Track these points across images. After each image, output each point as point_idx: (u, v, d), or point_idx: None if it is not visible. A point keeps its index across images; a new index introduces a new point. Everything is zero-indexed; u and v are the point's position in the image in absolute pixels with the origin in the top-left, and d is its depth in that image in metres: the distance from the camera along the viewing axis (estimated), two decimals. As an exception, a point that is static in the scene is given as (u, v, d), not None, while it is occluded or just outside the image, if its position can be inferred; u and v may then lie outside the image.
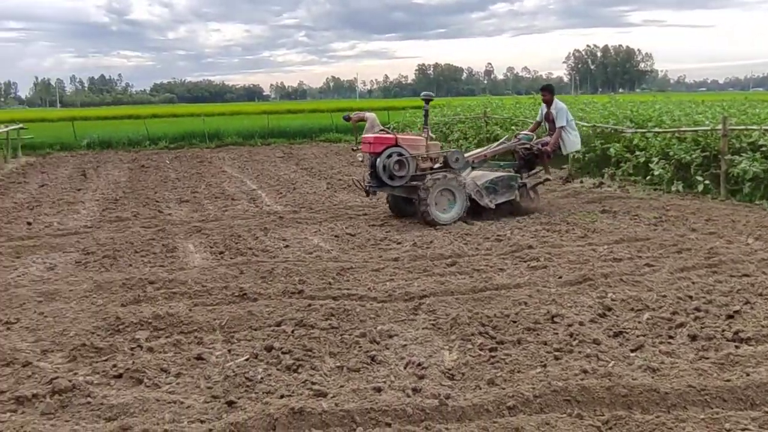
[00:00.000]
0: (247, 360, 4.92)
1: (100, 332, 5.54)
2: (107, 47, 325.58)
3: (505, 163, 11.36)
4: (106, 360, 4.99)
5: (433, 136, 10.99)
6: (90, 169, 19.33)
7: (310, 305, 6.04)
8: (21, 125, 24.90)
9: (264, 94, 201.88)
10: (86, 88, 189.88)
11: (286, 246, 8.67)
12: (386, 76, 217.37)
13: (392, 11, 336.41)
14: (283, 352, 5.00)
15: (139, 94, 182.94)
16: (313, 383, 4.50)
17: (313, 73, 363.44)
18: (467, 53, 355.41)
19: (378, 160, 9.95)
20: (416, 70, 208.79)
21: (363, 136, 11.01)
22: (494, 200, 10.33)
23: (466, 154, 10.97)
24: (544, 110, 11.35)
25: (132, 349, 5.19)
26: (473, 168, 10.88)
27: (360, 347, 5.13)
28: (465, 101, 30.87)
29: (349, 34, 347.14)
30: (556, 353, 4.91)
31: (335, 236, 9.22)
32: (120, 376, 4.70)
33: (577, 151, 12.60)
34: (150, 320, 5.71)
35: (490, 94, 52.42)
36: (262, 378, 4.60)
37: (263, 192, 14.16)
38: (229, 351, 5.15)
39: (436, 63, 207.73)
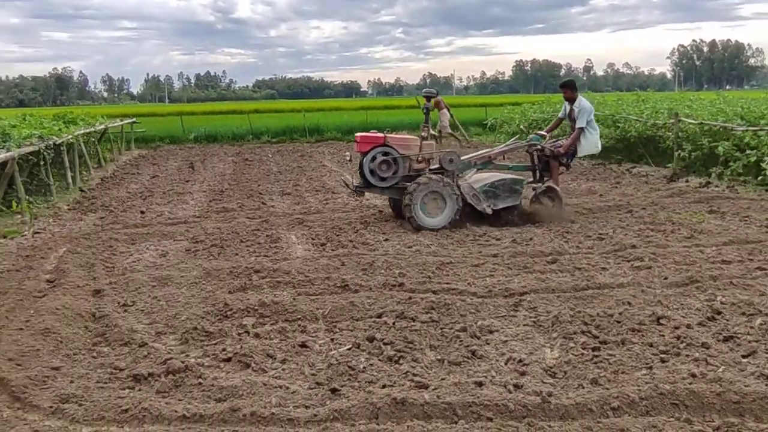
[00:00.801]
0: (349, 349, 5.02)
1: (209, 317, 5.78)
2: (213, 45, 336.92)
3: (515, 165, 10.83)
4: (215, 344, 5.21)
5: (435, 134, 10.20)
6: (197, 162, 20.10)
7: (410, 298, 6.09)
8: (134, 119, 26.18)
9: (362, 90, 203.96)
10: (192, 85, 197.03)
11: (386, 239, 8.76)
12: (483, 73, 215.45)
13: (490, 7, 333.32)
14: (384, 343, 5.07)
15: (242, 90, 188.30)
16: (415, 375, 4.55)
17: (410, 70, 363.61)
18: (566, 49, 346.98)
19: (365, 159, 9.56)
20: (513, 66, 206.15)
21: (356, 135, 10.39)
22: (494, 205, 9.57)
23: (468, 156, 10.30)
24: (567, 108, 10.53)
25: (240, 334, 5.39)
26: (478, 170, 10.28)
27: (460, 341, 5.14)
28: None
29: (446, 31, 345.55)
30: (663, 356, 4.77)
31: (434, 231, 9.23)
32: (229, 359, 4.89)
33: (593, 154, 11.60)
34: (256, 307, 5.90)
35: (590, 90, 51.07)
36: (364, 367, 4.68)
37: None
38: (332, 340, 5.27)
39: (534, 59, 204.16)
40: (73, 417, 4.09)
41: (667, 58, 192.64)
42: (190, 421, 4.00)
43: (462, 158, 9.93)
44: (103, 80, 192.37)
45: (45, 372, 4.69)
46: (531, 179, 10.34)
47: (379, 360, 4.84)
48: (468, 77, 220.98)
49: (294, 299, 6.14)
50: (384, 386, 4.37)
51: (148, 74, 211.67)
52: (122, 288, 6.72)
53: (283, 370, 4.74)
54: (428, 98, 10.15)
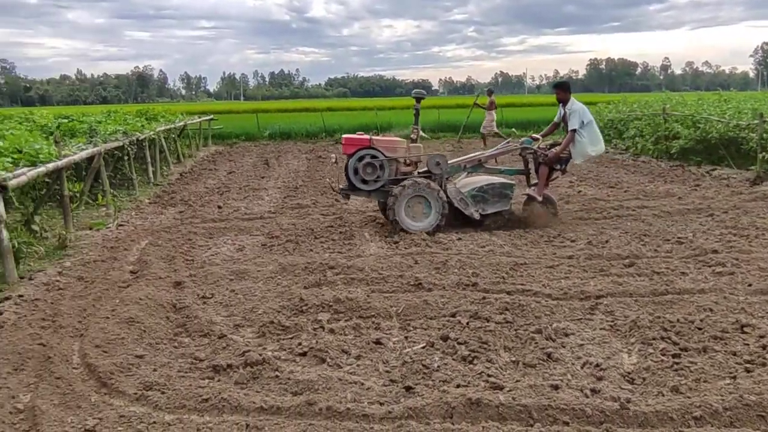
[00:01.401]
0: (423, 348, 5.03)
1: (285, 311, 5.88)
2: (287, 44, 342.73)
3: (506, 169, 10.43)
4: (291, 338, 5.30)
5: (426, 136, 10.01)
6: (272, 159, 20.45)
7: (484, 298, 6.06)
8: (212, 116, 26.82)
9: (433, 89, 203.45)
10: (267, 83, 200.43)
11: (459, 239, 8.73)
12: (556, 71, 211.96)
13: (564, 5, 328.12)
14: (458, 343, 5.06)
15: (315, 88, 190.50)
16: (489, 375, 4.52)
17: (482, 68, 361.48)
18: (642, 47, 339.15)
19: (350, 162, 9.30)
20: (587, 64, 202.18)
21: (342, 136, 9.97)
22: (483, 210, 9.33)
23: (457, 159, 10.00)
24: (561, 112, 9.97)
25: (315, 329, 5.47)
26: (469, 173, 9.98)
27: (536, 343, 5.09)
28: (642, 97, 29.44)
29: (519, 29, 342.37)
30: (747, 365, 4.61)
31: (508, 231, 9.14)
32: (305, 354, 4.97)
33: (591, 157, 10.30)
34: (331, 303, 5.97)
35: (667, 89, 49.62)
36: (438, 366, 4.69)
37: (434, 185, 14.31)
38: (406, 338, 5.29)
39: (609, 57, 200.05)
40: (156, 404, 4.23)
41: (750, 56, 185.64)
42: (267, 412, 4.08)
43: (450, 161, 9.69)
44: (181, 78, 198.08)
45: (130, 360, 4.87)
46: (534, 183, 10.04)
47: (453, 359, 4.83)
48: (540, 76, 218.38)
49: (368, 296, 6.19)
50: (458, 386, 4.36)
51: (224, 72, 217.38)
52: (201, 280, 6.91)
53: (358, 366, 4.79)
54: (418, 100, 9.86)
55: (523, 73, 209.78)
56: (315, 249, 8.28)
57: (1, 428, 3.92)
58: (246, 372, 4.64)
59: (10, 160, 7.70)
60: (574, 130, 9.54)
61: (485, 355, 4.89)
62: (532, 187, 9.90)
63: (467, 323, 5.49)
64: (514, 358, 4.87)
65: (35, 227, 8.41)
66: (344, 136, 9.73)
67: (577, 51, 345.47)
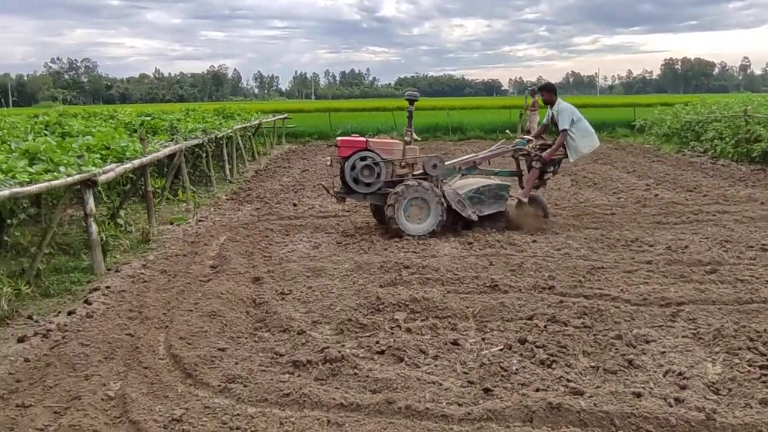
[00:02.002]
0: (501, 350, 5.01)
1: (362, 309, 5.95)
2: (357, 43, 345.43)
3: (500, 171, 10.29)
4: (369, 336, 5.35)
5: (419, 138, 9.78)
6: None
7: (561, 302, 5.99)
8: (286, 115, 27.25)
9: (502, 88, 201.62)
10: (337, 82, 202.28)
11: (534, 241, 8.64)
12: (629, 71, 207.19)
13: (640, 3, 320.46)
14: (536, 346, 5.02)
15: (384, 88, 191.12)
16: (569, 380, 4.48)
17: (553, 68, 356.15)
18: (720, 46, 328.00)
19: (346, 164, 9.12)
20: (662, 64, 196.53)
21: (337, 138, 9.82)
22: (479, 212, 9.22)
23: (452, 161, 9.90)
24: (549, 113, 9.88)
25: (392, 328, 5.51)
26: (463, 175, 9.82)
27: (616, 349, 5.00)
28: (720, 98, 28.49)
29: (592, 28, 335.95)
30: (841, 379, 4.43)
31: (583, 235, 9.00)
32: (382, 352, 5.01)
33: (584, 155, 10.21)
34: (407, 303, 6.00)
35: (746, 90, 47.81)
36: (516, 369, 4.66)
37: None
38: (483, 339, 5.28)
39: (685, 57, 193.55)
40: (239, 397, 4.34)
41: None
42: (347, 409, 4.14)
43: (446, 163, 9.58)
44: (254, 77, 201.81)
45: (213, 352, 5.01)
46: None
47: (532, 363, 4.79)
48: (613, 76, 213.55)
49: (444, 296, 6.19)
50: (538, 390, 4.33)
51: (296, 72, 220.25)
52: (279, 277, 7.05)
53: (436, 366, 4.80)
54: (411, 101, 9.64)
55: (595, 73, 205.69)
56: (389, 248, 8.33)
57: (94, 414, 4.09)
58: (325, 368, 4.71)
59: (98, 156, 8.01)
60: (565, 130, 9.48)
61: (564, 359, 4.83)
62: (520, 190, 9.87)
63: (545, 327, 5.44)
64: (593, 364, 4.80)
65: (120, 221, 8.72)
66: (340, 138, 9.69)
67: (651, 50, 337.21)
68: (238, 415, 4.09)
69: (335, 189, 9.45)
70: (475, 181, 9.58)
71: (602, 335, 5.26)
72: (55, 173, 6.57)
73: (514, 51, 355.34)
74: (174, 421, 4.02)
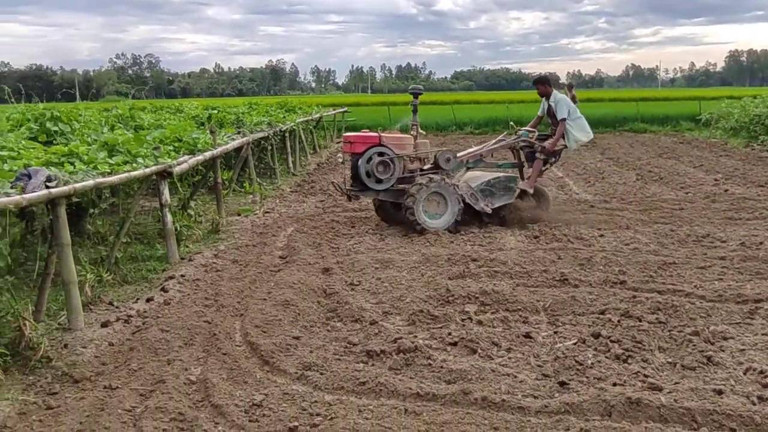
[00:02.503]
0: (575, 344, 4.98)
1: (432, 301, 5.98)
2: (414, 37, 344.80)
3: (504, 162, 10.31)
4: (441, 327, 5.38)
5: (423, 132, 9.62)
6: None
7: (634, 297, 5.91)
8: (345, 108, 27.42)
9: (560, 81, 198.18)
10: (393, 76, 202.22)
11: (601, 235, 8.53)
12: (692, 64, 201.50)
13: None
14: (611, 341, 4.97)
15: (440, 81, 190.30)
16: (646, 376, 4.42)
17: (612, 61, 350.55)
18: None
19: (360, 161, 8.90)
20: (726, 56, 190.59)
21: (344, 135, 9.55)
22: (491, 204, 9.15)
23: (460, 154, 9.74)
24: (545, 105, 9.92)
25: (463, 320, 5.53)
26: (468, 168, 9.69)
27: (693, 346, 4.92)
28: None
29: (653, 20, 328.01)
30: None
31: (652, 230, 8.83)
32: (455, 343, 5.03)
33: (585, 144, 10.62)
34: (477, 295, 6.01)
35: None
36: (592, 363, 4.63)
37: (570, 180, 14.05)
38: (555, 333, 5.25)
39: (751, 49, 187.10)
40: (316, 384, 4.43)
41: None
42: (423, 399, 4.18)
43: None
44: (312, 71, 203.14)
45: (288, 340, 5.11)
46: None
47: (607, 357, 4.75)
48: (675, 69, 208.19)
49: (513, 290, 6.18)
50: (615, 384, 4.29)
51: (352, 66, 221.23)
52: (348, 268, 7.13)
53: (509, 358, 4.80)
54: (415, 95, 9.64)
55: (656, 66, 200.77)
56: (456, 241, 8.33)
57: (178, 397, 4.22)
58: (399, 358, 4.76)
59: (171, 148, 8.22)
60: (564, 120, 9.57)
61: (640, 354, 4.78)
62: (525, 181, 9.82)
63: (618, 321, 5.38)
64: (670, 360, 4.73)
65: (191, 212, 8.93)
66: (350, 134, 9.48)
67: (715, 42, 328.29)
68: (316, 402, 4.17)
69: (347, 187, 9.24)
70: (482, 174, 9.57)
71: (678, 331, 5.17)
72: (133, 164, 6.77)
73: (572, 44, 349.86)
74: (254, 406, 4.12)
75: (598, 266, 7.01)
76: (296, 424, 3.86)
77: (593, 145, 21.25)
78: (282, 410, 4.07)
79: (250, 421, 3.96)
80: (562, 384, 4.33)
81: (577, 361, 4.65)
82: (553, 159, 10.00)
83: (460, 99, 54.00)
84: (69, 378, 4.64)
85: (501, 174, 9.58)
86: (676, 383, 4.32)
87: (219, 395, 4.24)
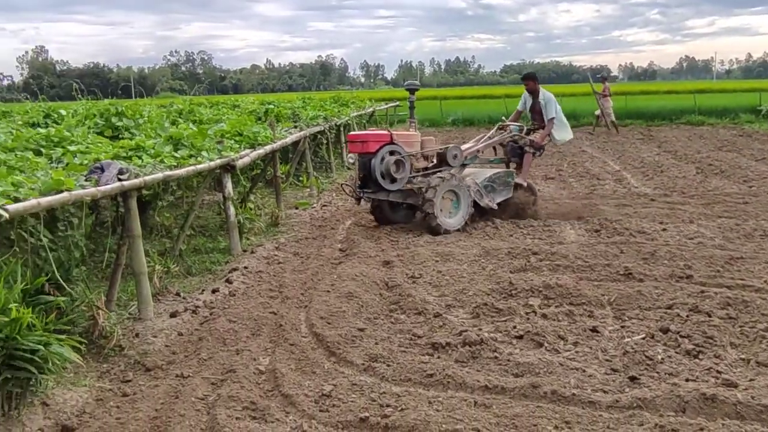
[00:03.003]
0: (643, 339, 4.90)
1: (495, 294, 5.95)
2: (463, 31, 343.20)
3: (495, 158, 10.16)
4: (505, 320, 5.35)
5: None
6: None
7: (702, 292, 5.79)
8: (398, 103, 27.44)
9: (611, 74, 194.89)
10: (442, 70, 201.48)
11: (664, 229, 8.36)
12: (749, 55, 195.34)
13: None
14: (681, 336, 4.88)
15: (489, 75, 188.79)
16: (719, 372, 4.33)
17: (665, 53, 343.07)
18: None
19: (373, 161, 8.37)
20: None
21: (349, 134, 9.23)
22: (494, 199, 9.03)
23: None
24: (528, 101, 10.03)
25: (527, 313, 5.49)
26: (464, 165, 9.40)
27: (767, 342, 4.80)
28: None
29: (708, 10, 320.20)
30: None
31: (716, 224, 8.62)
32: (521, 337, 5.00)
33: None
34: (540, 289, 5.96)
35: None
36: (662, 359, 4.55)
37: (627, 173, 13.80)
38: (622, 327, 5.18)
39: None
40: (383, 375, 4.45)
41: None
42: (492, 392, 4.17)
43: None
44: (361, 66, 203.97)
45: (353, 332, 5.15)
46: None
47: (676, 352, 4.67)
48: (731, 60, 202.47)
49: (577, 283, 6.10)
50: (687, 380, 4.21)
51: (401, 60, 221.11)
52: (408, 260, 7.13)
53: (576, 352, 4.75)
54: (411, 91, 9.37)
55: (712, 57, 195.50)
56: (515, 234, 8.28)
57: (249, 386, 4.29)
58: (465, 351, 4.75)
59: (233, 142, 8.34)
60: (553, 118, 9.69)
61: (711, 350, 4.68)
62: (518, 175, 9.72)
63: (687, 316, 5.27)
64: (743, 356, 4.62)
65: (250, 205, 9.05)
66: (359, 132, 9.19)
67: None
68: (384, 393, 4.19)
69: (356, 188, 8.75)
70: (482, 170, 9.50)
71: (749, 327, 5.05)
72: (198, 158, 6.90)
73: (624, 36, 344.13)
74: (324, 396, 4.17)
75: (662, 260, 6.88)
76: (367, 414, 3.89)
77: (650, 138, 20.89)
78: (351, 400, 4.10)
79: (320, 410, 4.00)
80: (632, 379, 4.27)
81: (646, 356, 4.58)
82: (539, 153, 10.05)
83: (510, 93, 53.56)
84: (141, 366, 4.77)
85: (500, 170, 9.53)
86: (751, 380, 4.21)
87: (288, 385, 4.30)
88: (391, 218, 9.03)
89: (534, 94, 9.88)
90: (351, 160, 8.90)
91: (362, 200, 8.89)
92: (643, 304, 5.64)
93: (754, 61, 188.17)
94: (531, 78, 10.09)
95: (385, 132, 8.90)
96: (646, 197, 10.69)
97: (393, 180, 8.50)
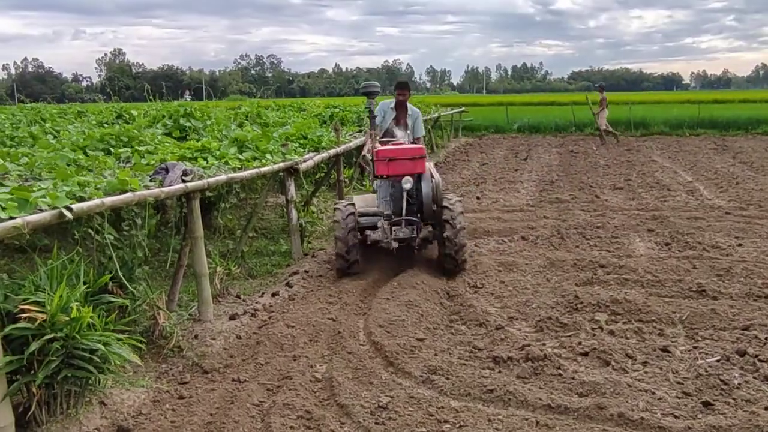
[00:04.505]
0: (718, 361, 4.64)
1: (560, 308, 5.75)
2: (530, 37, 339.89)
3: None
4: (570, 336, 5.16)
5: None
6: (523, 152, 20.23)
7: (783, 312, 5.48)
8: (463, 108, 27.23)
9: (683, 82, 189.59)
10: (509, 76, 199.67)
11: (739, 244, 7.98)
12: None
13: None
14: (759, 360, 4.61)
15: (556, 82, 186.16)
16: (800, 401, 4.06)
17: (740, 60, 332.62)
18: None
19: (424, 184, 6.83)
20: None
21: (379, 150, 6.84)
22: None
23: None
24: (389, 113, 7.74)
25: (593, 329, 5.28)
26: None
27: None
28: None
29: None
30: None
31: (797, 240, 8.19)
32: (586, 354, 4.80)
33: None
34: (607, 303, 5.74)
35: None
36: (739, 384, 4.29)
37: (700, 184, 13.27)
38: (695, 348, 4.92)
39: None
40: (442, 389, 4.32)
41: None
42: (554, 411, 3.99)
43: None
44: (427, 71, 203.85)
45: (412, 342, 5.03)
46: None
47: (755, 378, 4.40)
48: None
49: (646, 299, 5.85)
50: (767, 408, 3.95)
51: (468, 66, 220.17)
52: (471, 270, 6.97)
53: (645, 372, 4.53)
54: (370, 95, 7.12)
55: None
56: (581, 245, 8.02)
57: (305, 394, 4.22)
58: (527, 366, 4.58)
59: (297, 145, 8.34)
60: (421, 137, 7.93)
61: (792, 376, 4.40)
62: None
63: (766, 339, 4.98)
64: (828, 384, 4.33)
65: (313, 208, 9.03)
66: (398, 146, 6.92)
67: None
68: (442, 407, 4.06)
69: (390, 232, 6.64)
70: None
71: (836, 353, 4.74)
72: (262, 160, 6.90)
73: (697, 42, 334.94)
74: (380, 408, 4.06)
75: (738, 277, 6.55)
76: (424, 430, 3.78)
77: (723, 149, 20.14)
78: (408, 414, 3.99)
79: (376, 423, 3.90)
80: (705, 404, 4.03)
81: (721, 380, 4.32)
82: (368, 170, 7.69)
83: (577, 100, 52.64)
84: (199, 368, 4.76)
85: None
86: (837, 411, 3.93)
87: (344, 395, 4.21)
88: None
89: (403, 106, 7.82)
90: (408, 185, 6.67)
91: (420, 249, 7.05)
92: (717, 323, 5.36)
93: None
94: (407, 87, 7.99)
95: (420, 146, 7.17)
96: (720, 210, 10.24)
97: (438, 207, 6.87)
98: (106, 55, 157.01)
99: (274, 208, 9.94)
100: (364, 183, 12.12)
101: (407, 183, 6.66)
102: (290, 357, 4.81)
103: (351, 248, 6.66)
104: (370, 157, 7.08)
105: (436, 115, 21.13)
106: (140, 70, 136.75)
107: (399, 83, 8.04)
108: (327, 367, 4.65)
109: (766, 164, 16.15)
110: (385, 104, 7.87)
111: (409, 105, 7.93)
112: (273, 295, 6.29)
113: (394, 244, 6.57)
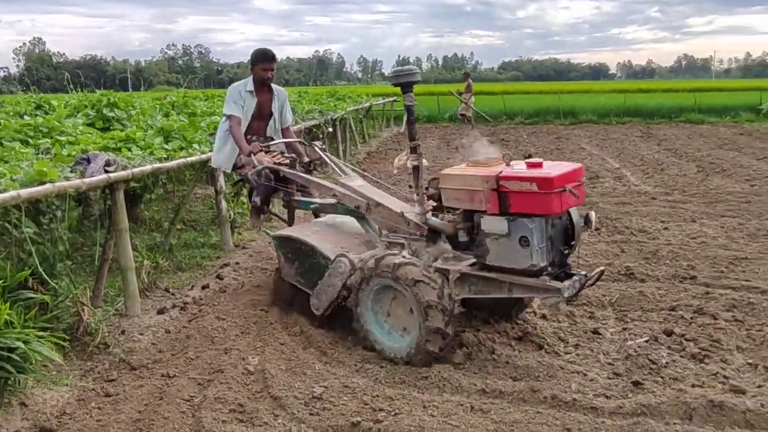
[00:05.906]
0: (647, 341, 4.73)
1: (493, 294, 5.76)
2: (461, 27, 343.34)
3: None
4: (504, 321, 5.17)
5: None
6: (454, 141, 20.37)
7: (707, 293, 5.63)
8: (394, 98, 27.20)
9: (610, 72, 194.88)
10: (440, 66, 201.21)
11: (666, 228, 8.20)
12: (748, 54, 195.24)
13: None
14: (686, 339, 4.72)
15: (487, 72, 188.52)
16: (726, 377, 4.17)
17: (663, 51, 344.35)
18: None
19: (574, 217, 4.43)
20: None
21: (557, 176, 4.08)
22: None
23: None
24: (250, 100, 6.13)
25: (527, 314, 5.31)
26: None
27: (774, 346, 4.63)
28: None
29: (708, 8, 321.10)
30: None
31: (719, 223, 8.46)
32: (520, 339, 4.83)
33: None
34: (540, 288, 5.78)
35: None
36: (667, 363, 4.38)
37: (627, 171, 13.60)
38: (624, 329, 5.01)
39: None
40: (376, 377, 4.29)
41: None
42: (489, 395, 4.00)
43: None
44: (358, 62, 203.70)
45: (345, 332, 4.95)
46: None
47: (682, 356, 4.50)
48: (729, 59, 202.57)
49: (577, 283, 5.93)
50: (694, 385, 4.05)
51: (398, 56, 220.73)
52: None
53: (577, 355, 4.59)
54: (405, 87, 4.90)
55: (710, 56, 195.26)
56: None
57: (237, 388, 4.12)
58: (462, 353, 4.57)
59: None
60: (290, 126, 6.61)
61: (718, 354, 4.51)
62: None
63: (692, 319, 5.11)
64: (750, 361, 4.46)
65: (243, 199, 8.85)
66: (556, 171, 4.09)
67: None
68: (377, 396, 4.02)
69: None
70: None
71: (756, 330, 4.89)
72: (189, 150, 6.71)
73: (623, 33, 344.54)
74: (315, 398, 3.99)
75: (664, 260, 6.71)
76: (359, 419, 3.71)
77: (648, 136, 20.71)
78: (343, 404, 3.93)
79: (310, 414, 3.83)
80: (635, 384, 4.10)
81: (650, 360, 4.41)
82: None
83: (508, 90, 53.33)
84: (126, 365, 4.59)
85: None
86: (759, 386, 4.05)
87: (278, 386, 4.12)
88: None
89: (266, 85, 6.27)
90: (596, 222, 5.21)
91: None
92: (645, 305, 5.47)
93: (753, 60, 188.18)
94: (275, 59, 6.24)
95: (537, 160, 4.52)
96: (646, 195, 10.52)
97: None
98: (24, 44, 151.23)
99: (203, 199, 9.71)
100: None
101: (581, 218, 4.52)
102: (221, 350, 4.69)
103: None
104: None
105: (368, 104, 21.05)
106: (62, 60, 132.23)
107: (263, 54, 6.14)
108: (259, 359, 4.54)
109: (689, 151, 16.67)
110: (239, 87, 6.14)
111: (275, 86, 6.35)
112: (203, 287, 6.12)
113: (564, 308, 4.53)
